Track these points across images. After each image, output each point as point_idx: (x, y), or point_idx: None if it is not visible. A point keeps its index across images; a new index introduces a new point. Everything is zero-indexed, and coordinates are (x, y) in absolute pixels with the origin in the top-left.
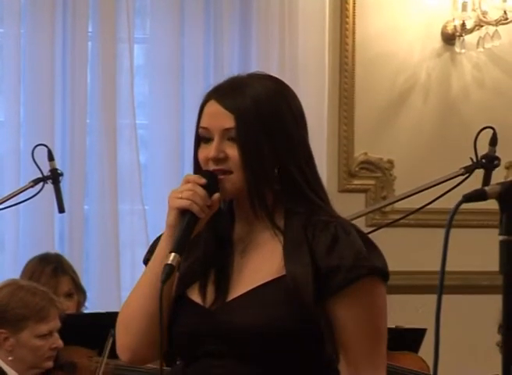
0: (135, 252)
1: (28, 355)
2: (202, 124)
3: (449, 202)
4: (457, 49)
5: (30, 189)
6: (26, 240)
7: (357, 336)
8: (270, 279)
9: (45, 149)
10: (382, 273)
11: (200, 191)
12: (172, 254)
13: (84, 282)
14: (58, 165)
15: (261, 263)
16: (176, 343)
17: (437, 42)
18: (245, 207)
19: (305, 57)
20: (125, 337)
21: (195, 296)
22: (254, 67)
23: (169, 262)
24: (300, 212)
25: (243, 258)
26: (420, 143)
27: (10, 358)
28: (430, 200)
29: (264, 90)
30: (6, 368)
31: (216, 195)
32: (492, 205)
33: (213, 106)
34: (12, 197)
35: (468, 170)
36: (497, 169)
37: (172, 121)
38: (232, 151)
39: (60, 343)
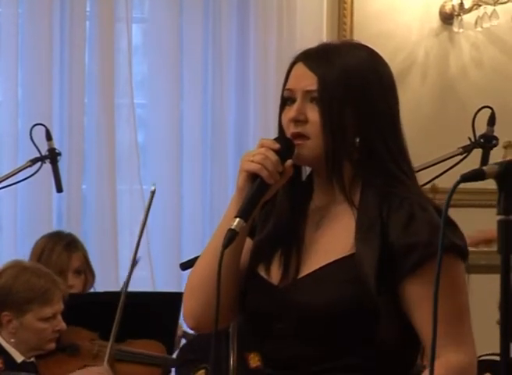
0: (133, 232)
1: (31, 338)
2: (287, 86)
3: (447, 182)
4: (455, 29)
5: (28, 169)
6: (24, 219)
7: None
8: (340, 257)
9: (43, 129)
10: (460, 250)
11: (273, 156)
12: (237, 219)
13: None
14: (56, 144)
15: (334, 239)
16: (247, 320)
17: (435, 21)
18: (323, 177)
19: (303, 37)
20: (189, 304)
21: (265, 271)
22: (253, 42)
23: (232, 227)
24: (377, 184)
25: (317, 231)
26: (418, 122)
27: (13, 340)
28: (428, 179)
29: (353, 57)
30: (9, 348)
31: (289, 162)
32: (490, 184)
33: (299, 68)
34: (10, 176)
35: (466, 150)
36: (495, 148)
37: (171, 100)
38: (313, 114)
39: (63, 325)
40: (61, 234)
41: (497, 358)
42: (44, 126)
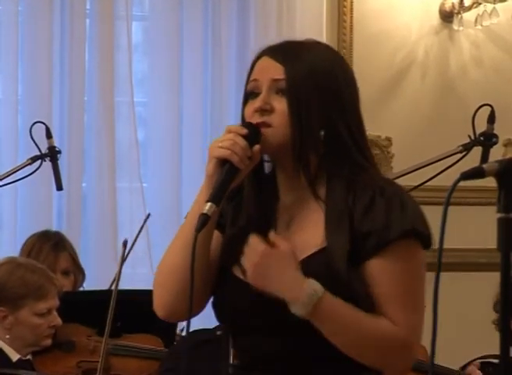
0: (133, 230)
1: (27, 333)
2: (252, 77)
3: (447, 180)
4: (455, 27)
5: (28, 167)
6: (24, 217)
7: (391, 295)
8: (311, 252)
9: (43, 127)
10: (421, 237)
11: (241, 141)
12: (208, 204)
13: (82, 259)
14: (56, 142)
15: (305, 236)
16: (220, 316)
17: (435, 20)
18: (288, 171)
19: (303, 35)
20: (160, 293)
21: (238, 269)
22: (252, 43)
23: (204, 211)
24: (342, 174)
25: (288, 230)
26: (418, 120)
27: (8, 336)
28: (428, 178)
29: (319, 53)
30: (4, 346)
31: (257, 147)
32: (490, 182)
33: (265, 60)
34: (10, 174)
35: (466, 148)
36: (495, 146)
37: (171, 99)
38: (279, 105)
39: (59, 321)
40: (48, 234)
41: (493, 359)
42: (44, 124)
